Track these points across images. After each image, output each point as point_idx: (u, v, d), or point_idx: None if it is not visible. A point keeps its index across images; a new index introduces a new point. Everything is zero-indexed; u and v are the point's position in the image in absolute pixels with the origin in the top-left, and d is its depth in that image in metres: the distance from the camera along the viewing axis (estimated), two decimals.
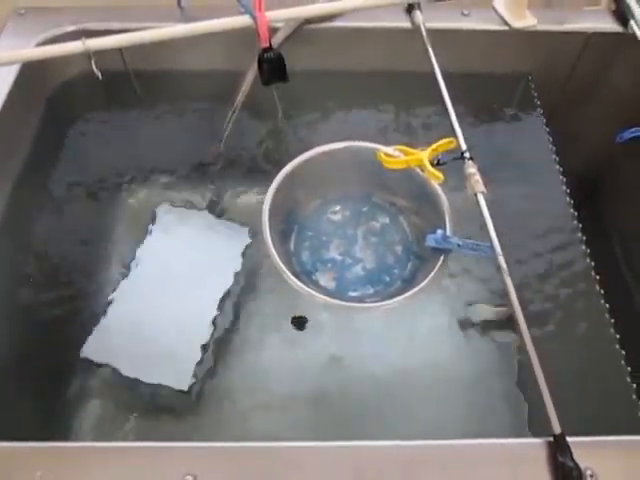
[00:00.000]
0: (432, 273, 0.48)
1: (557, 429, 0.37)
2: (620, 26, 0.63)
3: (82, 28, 0.62)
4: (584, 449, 0.37)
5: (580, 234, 0.55)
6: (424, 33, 0.60)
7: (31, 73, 0.61)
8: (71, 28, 0.62)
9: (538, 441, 0.38)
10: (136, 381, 0.59)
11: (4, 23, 0.63)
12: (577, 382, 0.50)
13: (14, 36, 0.62)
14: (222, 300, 0.64)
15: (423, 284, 0.48)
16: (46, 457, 0.38)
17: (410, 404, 0.58)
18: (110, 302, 0.63)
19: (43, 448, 0.38)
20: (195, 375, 0.59)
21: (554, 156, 0.61)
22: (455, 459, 0.38)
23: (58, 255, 0.63)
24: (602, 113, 0.68)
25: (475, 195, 0.48)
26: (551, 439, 0.38)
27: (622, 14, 0.63)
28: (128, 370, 0.59)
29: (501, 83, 0.68)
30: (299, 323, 0.63)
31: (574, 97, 0.68)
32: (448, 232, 0.51)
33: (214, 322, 0.62)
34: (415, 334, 0.61)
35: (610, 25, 0.63)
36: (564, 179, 0.59)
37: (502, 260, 0.44)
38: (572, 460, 0.36)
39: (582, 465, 0.36)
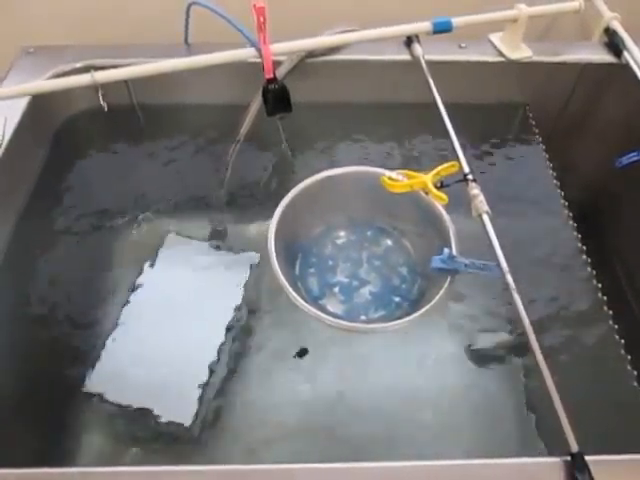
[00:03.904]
0: (441, 291, 0.48)
1: (574, 447, 0.37)
2: (613, 57, 0.65)
3: (90, 64, 0.63)
4: (602, 468, 0.36)
5: (585, 256, 0.55)
6: (424, 65, 0.61)
7: (38, 108, 0.62)
8: (79, 64, 0.64)
9: (555, 460, 0.37)
10: (138, 415, 0.58)
11: (13, 61, 0.65)
12: (589, 402, 0.49)
13: (23, 73, 0.63)
14: (226, 331, 0.63)
15: (433, 302, 0.48)
16: None
17: (419, 433, 0.56)
18: (112, 334, 0.62)
19: (44, 474, 0.37)
20: (198, 408, 0.58)
21: (555, 181, 0.62)
22: (470, 479, 0.37)
23: (61, 287, 0.63)
24: (598, 140, 0.69)
25: (480, 216, 0.48)
26: (568, 458, 0.36)
27: (615, 46, 0.65)
28: (130, 403, 0.58)
29: (499, 113, 0.69)
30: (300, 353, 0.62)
31: (570, 125, 0.70)
32: (454, 252, 0.51)
33: (218, 353, 0.61)
34: (422, 361, 0.60)
35: (603, 56, 0.65)
36: (566, 203, 0.59)
37: (510, 278, 0.44)
38: (591, 479, 0.35)
39: None
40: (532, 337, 0.41)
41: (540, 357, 0.40)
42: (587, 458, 0.36)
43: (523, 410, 0.56)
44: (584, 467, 0.35)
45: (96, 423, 0.59)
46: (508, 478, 0.37)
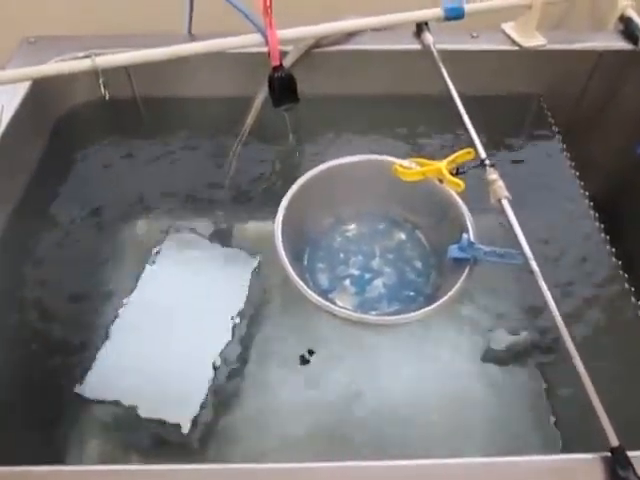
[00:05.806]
0: (459, 281, 0.45)
1: (614, 441, 0.33)
2: (630, 44, 0.63)
3: (91, 54, 0.61)
4: None
5: (609, 246, 0.53)
6: (435, 52, 0.59)
7: (38, 98, 0.60)
8: (80, 54, 0.62)
9: (593, 456, 0.34)
10: (135, 419, 0.55)
11: (14, 51, 0.63)
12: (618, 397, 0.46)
13: (24, 62, 0.61)
14: (230, 330, 0.60)
15: (452, 293, 0.45)
16: None
17: (434, 434, 0.53)
18: (110, 334, 0.60)
19: (45, 472, 0.35)
20: (198, 413, 0.55)
21: (573, 172, 0.59)
22: (504, 477, 0.34)
23: (56, 283, 0.60)
24: (615, 131, 0.67)
25: (499, 201, 0.46)
26: (608, 453, 0.33)
27: (632, 33, 0.63)
28: (127, 407, 0.55)
29: (513, 104, 0.67)
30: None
31: (586, 116, 0.67)
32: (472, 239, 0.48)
33: (221, 354, 0.58)
34: (436, 361, 0.57)
35: (620, 43, 0.63)
36: (586, 193, 0.57)
37: (534, 264, 0.41)
38: (636, 475, 0.32)
39: None
40: (561, 324, 0.38)
41: (571, 345, 0.37)
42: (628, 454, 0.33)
43: (543, 410, 0.53)
44: (627, 462, 0.32)
45: (93, 428, 0.55)
46: (543, 476, 0.34)
